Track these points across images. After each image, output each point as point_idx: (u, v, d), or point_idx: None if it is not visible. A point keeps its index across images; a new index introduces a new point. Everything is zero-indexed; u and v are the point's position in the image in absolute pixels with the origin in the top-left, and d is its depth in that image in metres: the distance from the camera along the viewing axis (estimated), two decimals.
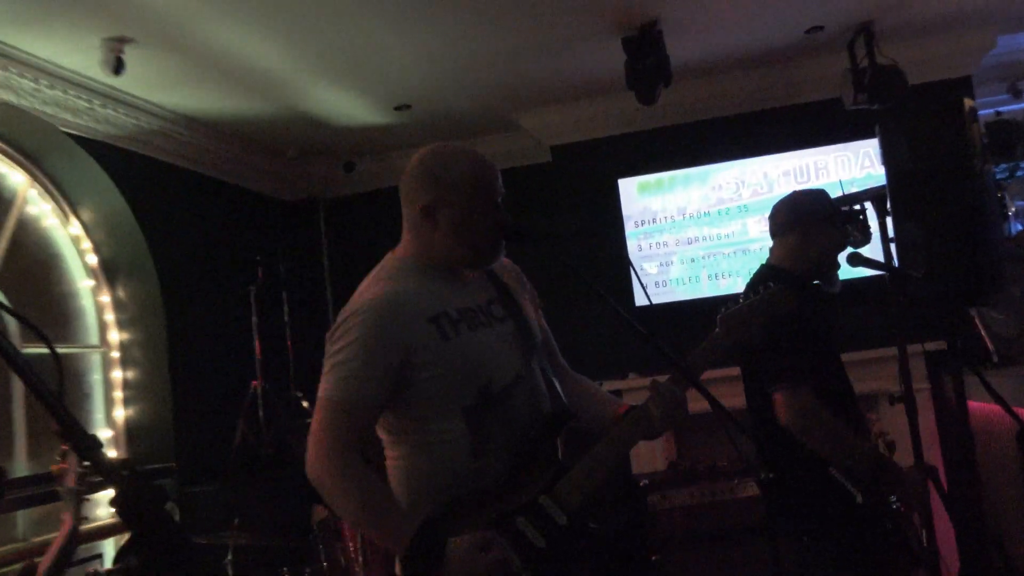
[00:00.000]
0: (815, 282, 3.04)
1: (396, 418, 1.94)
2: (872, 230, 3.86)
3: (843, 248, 3.04)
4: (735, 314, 2.03)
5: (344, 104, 5.51)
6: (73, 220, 5.17)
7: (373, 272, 2.02)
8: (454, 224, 1.96)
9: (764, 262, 3.09)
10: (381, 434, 1.98)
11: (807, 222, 2.98)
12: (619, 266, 5.73)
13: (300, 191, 6.85)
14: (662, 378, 1.99)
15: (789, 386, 2.69)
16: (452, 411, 1.89)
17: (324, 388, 1.86)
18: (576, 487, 1.89)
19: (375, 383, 1.85)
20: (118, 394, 5.22)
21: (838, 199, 3.79)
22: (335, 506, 1.83)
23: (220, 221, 5.96)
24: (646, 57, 4.70)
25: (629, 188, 5.85)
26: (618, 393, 5.53)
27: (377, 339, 1.85)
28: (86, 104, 4.78)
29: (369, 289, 1.96)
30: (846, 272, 3.14)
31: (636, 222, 5.83)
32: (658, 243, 5.80)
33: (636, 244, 5.82)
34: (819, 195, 3.08)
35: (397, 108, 5.66)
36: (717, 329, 2.02)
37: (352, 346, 1.85)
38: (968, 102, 5.05)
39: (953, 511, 3.00)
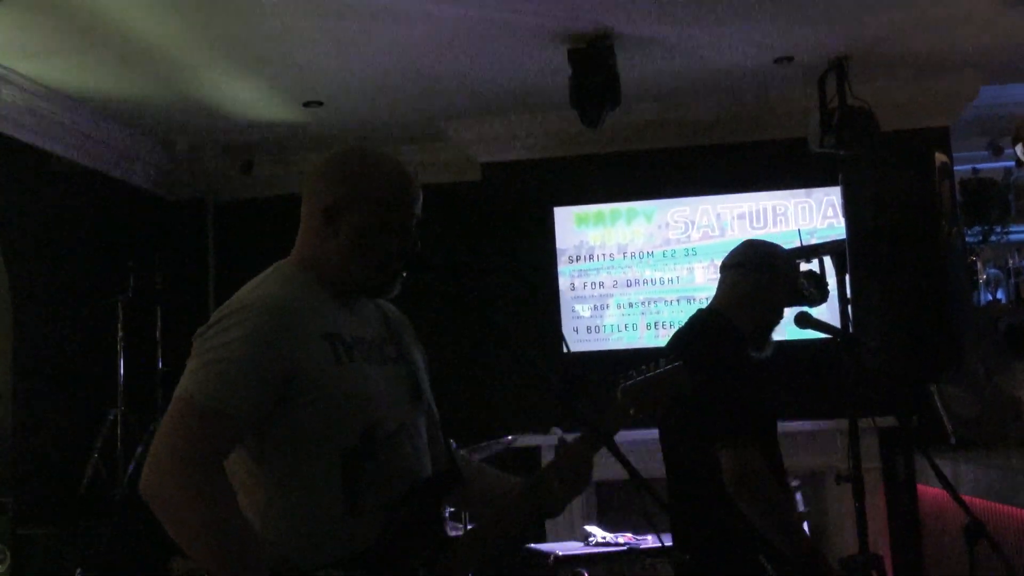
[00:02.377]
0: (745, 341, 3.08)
1: (259, 449, 1.85)
2: (829, 288, 3.96)
3: (792, 304, 3.11)
4: (635, 388, 2.09)
5: (246, 94, 5.47)
6: None
7: (259, 276, 1.98)
8: (357, 235, 1.93)
9: (704, 306, 3.15)
10: (236, 470, 1.87)
11: (761, 268, 3.05)
12: (549, 304, 5.77)
13: (187, 190, 6.75)
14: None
15: (734, 444, 2.73)
16: (330, 451, 1.84)
17: (189, 387, 1.76)
18: (460, 564, 1.88)
19: (256, 392, 1.77)
20: None
21: (794, 251, 3.89)
22: (172, 521, 1.70)
23: (87, 218, 5.84)
24: (594, 73, 4.77)
25: (565, 218, 5.91)
26: (536, 450, 5.55)
27: (266, 342, 1.79)
28: None
29: (259, 288, 1.91)
30: (794, 333, 3.21)
31: (571, 256, 5.88)
32: (594, 283, 5.86)
33: (569, 281, 5.87)
34: (775, 246, 3.18)
35: (306, 104, 5.64)
36: (619, 399, 2.07)
37: (236, 344, 1.77)
38: (940, 157, 5.25)
39: None
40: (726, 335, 3.00)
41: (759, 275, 3.06)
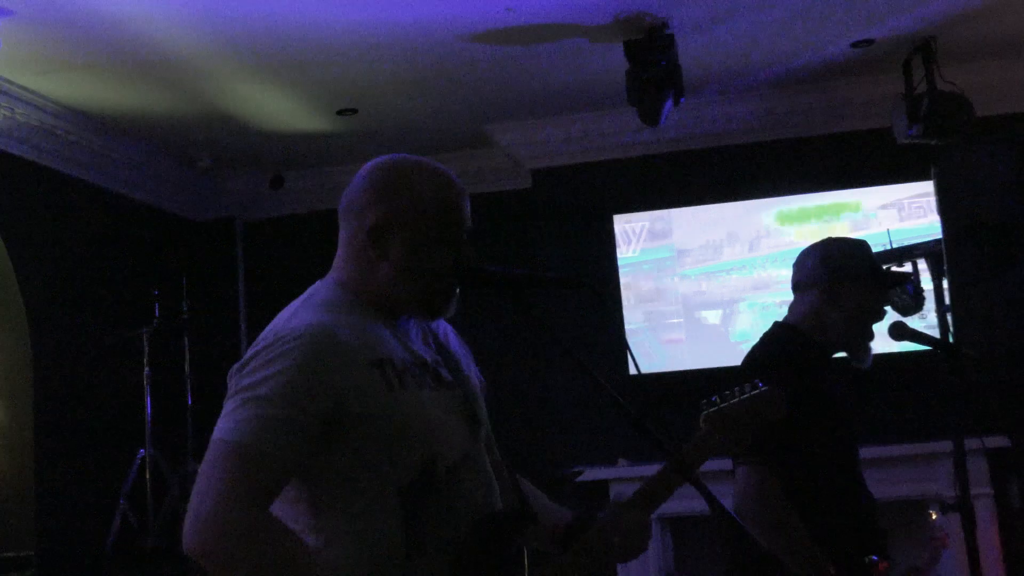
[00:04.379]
0: (839, 354, 3.06)
1: (308, 490, 1.86)
2: (925, 295, 3.92)
3: (879, 316, 3.07)
4: (719, 415, 2.11)
5: (274, 104, 5.54)
6: None
7: (298, 300, 1.98)
8: (409, 253, 1.94)
9: (780, 319, 3.12)
10: (283, 516, 1.87)
11: (834, 278, 3.00)
12: (615, 321, 5.77)
13: (214, 210, 6.84)
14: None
15: (749, 462, 2.77)
16: (386, 488, 1.84)
17: (229, 429, 1.76)
18: None
19: (301, 431, 1.77)
20: None
21: (883, 254, 3.85)
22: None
23: (109, 244, 5.94)
24: (653, 66, 4.76)
25: (627, 226, 5.91)
26: (603, 485, 5.53)
27: (309, 375, 1.79)
28: None
29: (296, 316, 1.91)
30: (888, 346, 3.18)
31: (634, 267, 5.88)
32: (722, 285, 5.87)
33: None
34: (855, 247, 3.11)
35: (340, 112, 5.70)
36: (702, 426, 2.10)
37: (275, 379, 1.77)
38: None
39: None
40: (791, 351, 2.97)
41: (831, 284, 2.99)
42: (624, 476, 5.47)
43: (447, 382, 2.01)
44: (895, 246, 4.30)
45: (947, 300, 3.61)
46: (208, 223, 6.86)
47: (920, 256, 4.05)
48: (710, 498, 1.89)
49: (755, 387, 2.13)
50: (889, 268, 3.32)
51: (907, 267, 4.07)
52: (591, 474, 5.41)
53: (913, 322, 3.25)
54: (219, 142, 6.11)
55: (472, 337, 2.25)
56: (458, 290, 2.00)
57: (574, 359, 1.97)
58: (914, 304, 3.80)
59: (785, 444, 2.77)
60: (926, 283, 4.01)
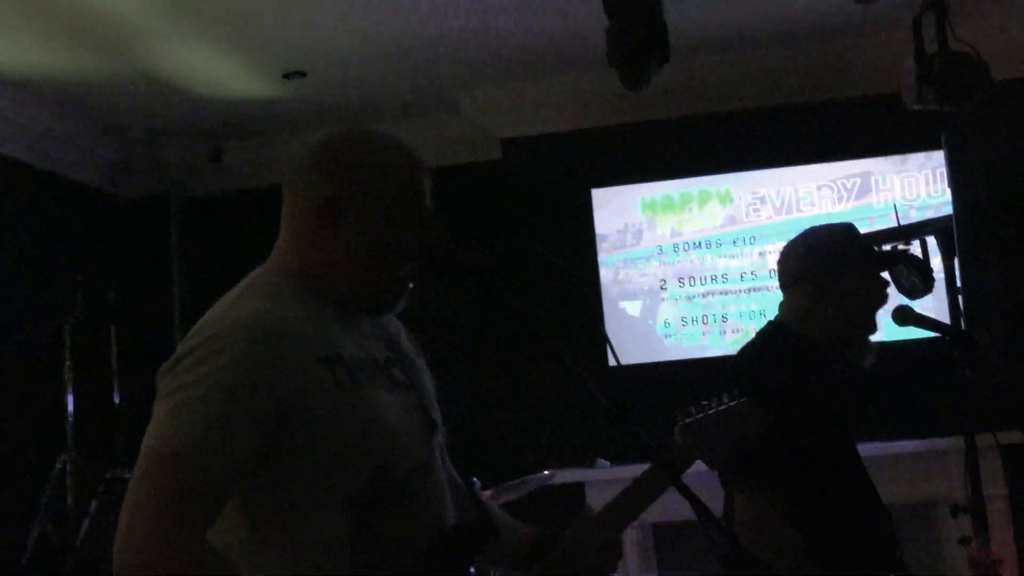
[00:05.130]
0: (840, 351, 3.09)
1: (249, 501, 1.84)
2: (935, 274, 3.96)
3: (882, 301, 3.09)
4: (695, 426, 2.14)
5: (212, 67, 5.53)
6: None
7: (236, 290, 1.97)
8: (363, 235, 1.94)
9: (773, 318, 3.15)
10: (222, 529, 1.85)
11: (823, 270, 3.01)
12: (591, 307, 5.80)
13: (146, 185, 6.82)
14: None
15: (744, 489, 2.85)
16: (331, 500, 1.84)
17: (162, 436, 1.73)
18: None
19: (242, 435, 1.75)
20: None
21: (883, 232, 3.89)
22: None
23: (25, 223, 5.91)
24: (635, 24, 4.78)
25: (606, 200, 5.94)
26: (579, 487, 5.57)
27: (249, 372, 1.77)
28: None
29: (234, 308, 1.89)
30: (893, 333, 3.22)
31: (614, 243, 5.92)
32: (643, 274, 5.90)
33: (612, 273, 5.91)
34: (842, 232, 3.10)
35: (287, 76, 5.69)
36: (677, 439, 2.14)
37: (212, 377, 1.75)
38: None
39: None
40: (785, 356, 2.99)
41: (820, 277, 3.01)
42: (603, 478, 5.50)
43: (401, 383, 2.01)
44: (902, 222, 4.35)
45: (958, 282, 3.64)
46: (138, 200, 6.83)
47: (930, 233, 4.09)
48: (698, 507, 1.92)
49: (733, 398, 2.19)
50: (892, 247, 3.33)
51: (915, 245, 4.11)
52: (567, 476, 5.45)
53: (920, 306, 3.30)
54: (151, 110, 6.09)
55: (433, 324, 2.27)
56: (411, 283, 2.00)
57: (548, 349, 1.99)
58: (923, 285, 3.84)
59: (783, 460, 2.80)
60: (936, 264, 4.05)
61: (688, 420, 2.14)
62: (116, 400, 5.98)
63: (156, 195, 6.84)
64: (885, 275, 3.18)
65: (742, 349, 3.11)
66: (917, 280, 3.81)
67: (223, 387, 1.75)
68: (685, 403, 2.19)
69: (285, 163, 2.06)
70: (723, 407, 2.18)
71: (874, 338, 3.14)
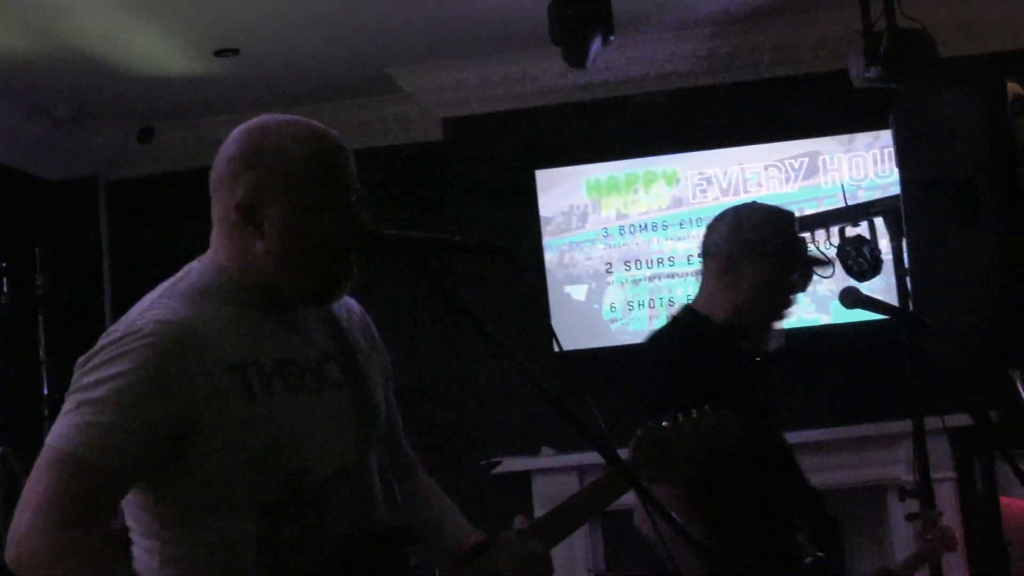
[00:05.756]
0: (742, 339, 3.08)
1: (160, 503, 1.88)
2: (883, 256, 4.00)
3: (784, 303, 3.07)
4: (654, 439, 2.12)
5: (141, 43, 5.46)
6: None
7: (167, 283, 1.98)
8: (287, 227, 1.93)
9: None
10: (131, 522, 1.93)
11: (733, 251, 3.00)
12: (535, 291, 5.80)
13: (72, 167, 6.73)
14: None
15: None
16: (241, 509, 1.86)
17: (58, 435, 1.80)
18: None
19: (139, 440, 1.79)
20: None
21: (835, 212, 3.92)
22: None
23: None
24: (579, 0, 4.78)
25: (550, 182, 5.94)
26: (525, 477, 5.59)
27: (153, 381, 1.80)
28: None
29: (154, 307, 1.90)
30: (841, 315, 3.25)
31: (559, 226, 5.93)
32: (588, 258, 5.91)
33: (557, 256, 5.92)
34: (769, 216, 3.09)
35: (218, 53, 5.64)
36: (630, 453, 2.10)
37: (114, 382, 1.80)
38: (1014, 88, 5.28)
39: None
40: (689, 341, 3.00)
41: (729, 261, 3.00)
42: (549, 467, 5.52)
43: (334, 382, 2.01)
44: (850, 202, 4.38)
45: (907, 263, 3.68)
46: (66, 183, 6.74)
47: (878, 214, 4.12)
48: (650, 505, 1.92)
49: (702, 411, 2.15)
50: (842, 234, 3.33)
51: (863, 226, 4.15)
52: (512, 465, 5.46)
53: (867, 288, 3.33)
54: (77, 88, 6.00)
55: (372, 311, 2.26)
56: (349, 271, 1.99)
57: (488, 335, 1.98)
58: (871, 268, 3.88)
59: (753, 472, 2.83)
60: (884, 245, 4.09)
61: (642, 432, 2.13)
62: (45, 391, 5.91)
63: (83, 177, 6.75)
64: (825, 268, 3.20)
65: (652, 335, 3.12)
66: (865, 262, 3.86)
67: (121, 395, 1.79)
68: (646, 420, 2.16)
69: (218, 143, 2.05)
70: (684, 421, 2.14)
71: (822, 321, 3.18)
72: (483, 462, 5.01)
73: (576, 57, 4.91)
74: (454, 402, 5.98)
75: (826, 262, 3.24)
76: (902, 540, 5.40)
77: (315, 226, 1.94)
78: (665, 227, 5.88)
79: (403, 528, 2.06)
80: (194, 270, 2.00)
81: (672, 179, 5.93)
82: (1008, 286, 5.70)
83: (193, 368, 1.83)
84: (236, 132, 2.02)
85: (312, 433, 1.93)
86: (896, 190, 5.35)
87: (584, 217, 5.95)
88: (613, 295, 5.89)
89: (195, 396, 1.83)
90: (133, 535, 1.92)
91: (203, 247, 2.07)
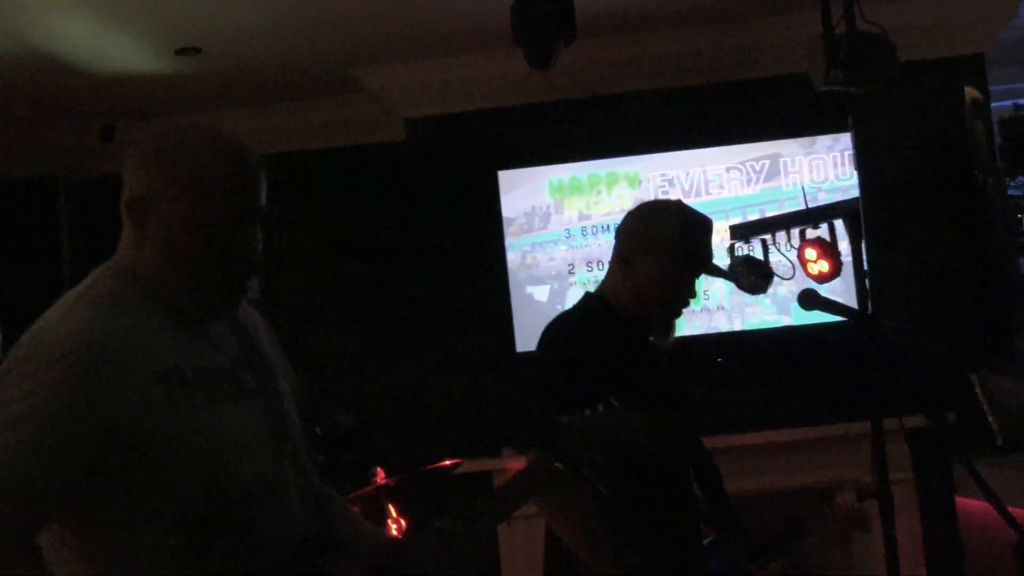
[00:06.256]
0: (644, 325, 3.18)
1: (80, 524, 1.84)
2: (844, 258, 4.05)
3: (676, 301, 3.13)
4: (564, 435, 2.10)
5: (103, 42, 5.43)
6: None
7: (77, 290, 1.94)
8: (169, 235, 1.90)
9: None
10: (49, 550, 1.87)
11: (633, 244, 3.10)
12: (497, 290, 5.82)
13: (32, 166, 6.68)
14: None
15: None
16: (164, 521, 1.83)
17: None
18: None
19: (63, 459, 1.74)
20: None
21: (796, 214, 3.97)
22: None
23: None
24: (542, 1, 4.79)
25: (513, 183, 5.96)
26: (487, 477, 5.59)
27: (74, 396, 1.75)
28: None
29: (68, 318, 1.86)
30: (800, 316, 3.28)
31: (521, 226, 5.95)
32: (550, 258, 5.93)
33: (519, 257, 5.94)
34: (681, 220, 3.14)
35: (180, 52, 5.62)
36: (527, 459, 2.09)
37: (32, 399, 1.74)
38: (971, 92, 5.32)
39: None
40: (587, 326, 3.09)
41: (627, 252, 3.11)
42: (510, 468, 5.53)
43: (249, 391, 1.98)
44: (811, 204, 4.43)
45: (865, 265, 3.72)
46: (25, 181, 6.69)
47: (837, 216, 4.18)
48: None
49: (606, 408, 2.12)
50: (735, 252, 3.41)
51: (823, 228, 4.20)
52: (474, 466, 5.46)
53: (827, 290, 3.37)
54: (38, 87, 5.97)
55: (336, 311, 2.26)
56: (244, 284, 1.97)
57: (448, 336, 1.99)
58: (762, 284, 3.93)
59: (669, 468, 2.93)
60: (844, 247, 4.13)
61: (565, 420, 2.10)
62: None
63: (43, 177, 6.70)
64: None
65: (553, 320, 3.18)
66: (758, 279, 3.93)
67: (41, 412, 1.74)
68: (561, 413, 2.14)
69: None
70: (585, 419, 2.11)
71: (783, 322, 3.22)
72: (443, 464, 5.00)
73: (539, 58, 4.92)
74: (416, 403, 5.98)
75: (727, 275, 3.37)
76: (861, 539, 5.45)
77: (200, 241, 1.91)
78: None
79: (324, 535, 2.04)
80: (103, 276, 1.96)
81: (634, 180, 5.96)
82: (966, 288, 5.75)
83: (114, 379, 1.78)
84: (152, 129, 2.02)
85: (234, 443, 1.90)
86: (856, 193, 5.41)
87: (547, 218, 5.97)
88: (575, 296, 5.87)
89: (118, 408, 1.78)
90: (53, 564, 1.85)
91: None
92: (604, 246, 5.88)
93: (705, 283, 5.22)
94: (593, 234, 5.93)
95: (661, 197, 5.86)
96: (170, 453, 1.81)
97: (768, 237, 3.99)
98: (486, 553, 5.49)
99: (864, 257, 3.85)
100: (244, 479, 1.90)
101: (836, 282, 3.88)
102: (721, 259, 3.74)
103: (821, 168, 5.83)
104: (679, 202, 3.26)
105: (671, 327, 3.21)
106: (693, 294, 3.15)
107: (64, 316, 1.87)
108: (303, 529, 2.00)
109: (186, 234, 1.89)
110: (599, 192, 5.97)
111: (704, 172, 5.93)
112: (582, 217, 5.96)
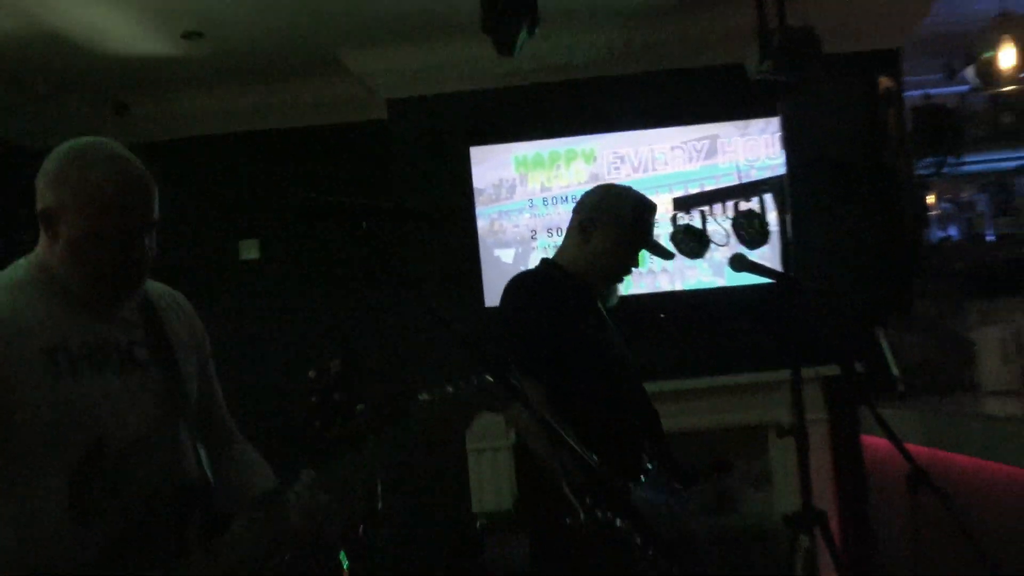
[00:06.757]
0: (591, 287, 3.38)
1: None
2: (770, 228, 4.13)
3: (621, 268, 3.37)
4: (432, 406, 2.12)
5: (114, 25, 5.40)
6: None
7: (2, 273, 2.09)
8: (71, 245, 2.02)
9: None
10: None
11: (590, 216, 3.34)
12: (469, 252, 5.87)
13: (52, 139, 6.62)
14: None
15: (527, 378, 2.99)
16: (50, 473, 1.94)
17: None
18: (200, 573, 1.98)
19: None
20: None
21: (731, 188, 4.05)
22: None
23: None
24: None
25: (483, 157, 6.00)
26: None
27: None
28: None
29: None
30: (732, 278, 3.36)
31: (490, 196, 6.00)
32: (515, 225, 5.98)
33: (488, 224, 6.00)
34: (630, 200, 3.38)
35: (185, 36, 5.60)
36: (411, 417, 2.11)
37: None
38: (884, 81, 5.42)
39: (840, 565, 3.27)
40: (541, 284, 3.32)
41: (586, 224, 3.34)
42: (474, 425, 5.58)
43: (141, 363, 2.09)
44: (744, 179, 4.51)
45: (789, 233, 3.81)
46: (45, 152, 6.65)
47: (767, 191, 4.25)
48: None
49: (480, 379, 2.13)
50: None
51: (754, 201, 4.27)
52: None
53: (759, 255, 3.45)
54: (54, 65, 5.92)
55: (326, 271, 2.30)
56: (140, 281, 2.09)
57: (418, 295, 2.03)
58: (760, 237, 4.01)
59: (551, 367, 3.10)
60: (772, 218, 4.21)
61: (424, 397, 2.12)
62: None
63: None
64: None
65: (510, 280, 3.40)
66: (756, 232, 4.01)
67: None
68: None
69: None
70: (462, 390, 2.11)
71: (717, 283, 3.31)
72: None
73: (504, 46, 4.93)
74: (396, 351, 6.01)
75: (668, 254, 3.54)
76: (780, 470, 5.58)
77: (94, 252, 2.01)
78: None
79: (201, 483, 2.11)
80: (20, 264, 2.09)
81: (590, 157, 6.00)
82: (877, 254, 5.87)
83: (6, 350, 1.91)
84: (61, 149, 2.11)
85: (113, 408, 2.01)
86: (783, 170, 5.50)
87: (512, 189, 6.01)
88: (538, 258, 5.92)
89: (6, 375, 1.90)
90: None
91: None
92: (563, 215, 5.92)
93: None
94: (553, 204, 5.98)
95: (613, 172, 5.93)
96: (51, 417, 1.93)
97: (706, 208, 4.06)
98: (457, 482, 5.56)
99: (788, 227, 3.93)
100: (121, 438, 2.00)
101: (763, 248, 3.96)
102: (665, 228, 3.89)
103: (754, 148, 5.87)
104: (631, 188, 3.46)
105: (615, 290, 3.37)
106: (637, 263, 3.39)
107: None
108: (192, 480, 2.10)
109: (86, 243, 2.01)
110: (559, 167, 6.01)
111: (651, 150, 5.97)
112: (544, 189, 6.00)
